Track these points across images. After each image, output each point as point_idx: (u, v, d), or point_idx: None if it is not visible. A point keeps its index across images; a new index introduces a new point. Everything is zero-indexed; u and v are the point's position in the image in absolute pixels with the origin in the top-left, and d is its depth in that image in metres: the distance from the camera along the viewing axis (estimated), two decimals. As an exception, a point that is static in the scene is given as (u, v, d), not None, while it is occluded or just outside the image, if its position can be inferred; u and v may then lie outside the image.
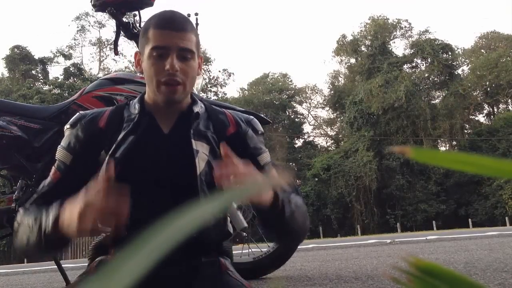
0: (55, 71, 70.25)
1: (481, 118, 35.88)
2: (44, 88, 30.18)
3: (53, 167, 1.10)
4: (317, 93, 39.62)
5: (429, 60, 30.67)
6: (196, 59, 1.10)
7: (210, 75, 36.74)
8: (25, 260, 20.34)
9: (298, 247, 2.78)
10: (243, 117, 1.17)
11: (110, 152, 1.05)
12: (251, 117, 1.19)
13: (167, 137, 1.08)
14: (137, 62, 1.14)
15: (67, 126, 1.12)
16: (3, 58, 31.90)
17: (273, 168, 1.14)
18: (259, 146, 1.13)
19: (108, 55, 36.60)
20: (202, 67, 1.17)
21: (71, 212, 0.87)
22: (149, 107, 1.10)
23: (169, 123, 1.10)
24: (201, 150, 1.06)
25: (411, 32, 33.57)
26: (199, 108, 1.12)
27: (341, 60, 35.89)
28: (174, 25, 1.06)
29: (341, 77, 37.47)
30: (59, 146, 1.11)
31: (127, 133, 1.06)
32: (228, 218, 1.16)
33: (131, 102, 1.16)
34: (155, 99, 1.08)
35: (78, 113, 1.14)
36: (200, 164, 1.04)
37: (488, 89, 33.98)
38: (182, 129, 1.08)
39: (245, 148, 1.10)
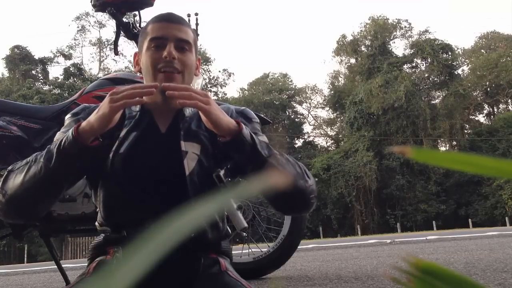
0: (55, 71, 70.32)
1: (481, 118, 35.95)
2: (44, 88, 30.20)
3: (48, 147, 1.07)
4: (317, 93, 39.65)
5: (429, 60, 30.66)
6: (194, 54, 1.11)
7: (210, 75, 36.76)
8: (25, 260, 20.35)
9: (298, 247, 2.77)
10: (234, 108, 1.18)
11: (114, 148, 1.05)
12: (243, 107, 1.20)
13: (164, 136, 1.08)
14: (136, 62, 1.15)
15: (68, 115, 1.13)
16: (3, 58, 31.92)
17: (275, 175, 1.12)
18: (253, 132, 1.11)
19: (108, 55, 36.60)
20: (202, 67, 1.17)
21: (99, 107, 0.96)
22: (148, 105, 1.11)
23: (167, 122, 1.10)
24: (191, 150, 1.06)
25: (411, 32, 33.60)
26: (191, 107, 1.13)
27: (341, 60, 35.91)
28: (172, 18, 1.10)
29: (341, 77, 37.50)
30: (58, 132, 1.10)
31: (129, 130, 1.07)
32: (227, 218, 1.16)
33: None
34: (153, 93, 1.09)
35: (82, 105, 1.16)
36: (190, 164, 1.04)
37: (488, 89, 33.99)
38: (177, 129, 1.08)
39: None
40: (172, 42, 1.06)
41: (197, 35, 2.33)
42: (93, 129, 0.94)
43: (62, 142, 0.94)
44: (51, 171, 0.95)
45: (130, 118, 1.10)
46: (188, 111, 1.12)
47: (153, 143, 1.07)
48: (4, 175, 1.01)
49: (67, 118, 1.13)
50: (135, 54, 1.16)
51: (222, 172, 1.06)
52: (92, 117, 0.95)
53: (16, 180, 0.97)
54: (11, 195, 0.97)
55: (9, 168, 1.02)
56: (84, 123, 0.95)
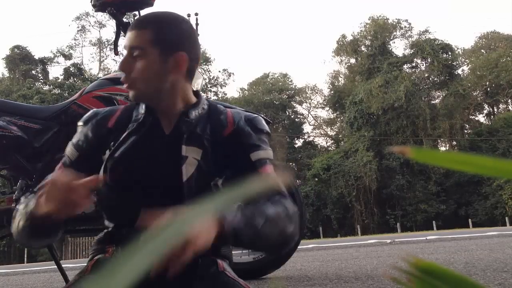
0: (55, 71, 70.26)
1: (481, 118, 35.92)
2: (44, 88, 30.18)
3: (60, 161, 1.11)
4: (317, 93, 39.64)
5: (429, 60, 30.65)
6: (153, 55, 1.02)
7: (210, 75, 36.75)
8: (25, 260, 20.37)
9: (298, 247, 2.77)
10: (244, 115, 1.13)
11: (110, 152, 1.05)
12: (254, 115, 1.15)
13: (167, 138, 1.07)
14: None
15: (80, 122, 1.13)
16: (3, 58, 31.92)
17: (268, 165, 1.07)
18: (256, 144, 1.08)
19: (108, 55, 36.60)
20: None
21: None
22: (154, 105, 1.10)
23: (172, 123, 1.08)
24: (191, 155, 1.03)
25: (411, 32, 33.58)
26: (200, 109, 1.10)
27: (341, 60, 35.90)
28: (134, 24, 1.06)
29: (341, 77, 37.48)
30: (70, 141, 1.13)
31: (129, 133, 1.07)
32: None
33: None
34: None
35: (92, 111, 1.15)
36: (188, 170, 1.02)
37: (488, 89, 33.98)
38: (181, 132, 1.06)
39: (240, 146, 1.07)
40: (127, 52, 1.04)
41: (198, 34, 2.34)
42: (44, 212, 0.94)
43: (32, 210, 0.96)
44: (33, 231, 1.00)
45: (135, 121, 1.09)
46: (194, 113, 1.09)
47: (155, 144, 1.06)
48: (13, 213, 1.06)
49: (79, 125, 1.13)
50: None
51: (220, 182, 1.04)
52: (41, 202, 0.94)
53: (15, 225, 1.02)
54: (16, 236, 1.04)
55: (16, 206, 1.06)
56: (39, 200, 0.95)
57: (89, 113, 1.14)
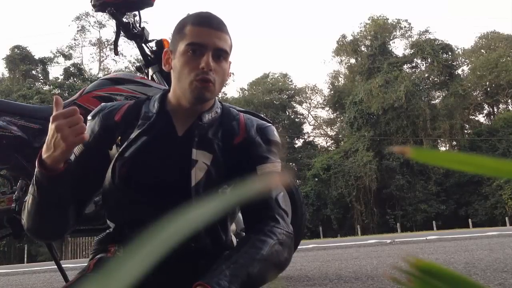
0: (55, 71, 70.12)
1: (481, 118, 35.93)
2: (44, 88, 30.17)
3: None
4: (317, 93, 39.64)
5: (429, 60, 30.66)
6: (228, 62, 1.08)
7: (210, 75, 36.65)
8: (25, 260, 20.38)
9: (298, 247, 2.77)
10: (257, 124, 1.12)
11: (120, 150, 1.04)
12: (267, 124, 1.14)
13: (179, 140, 1.06)
14: (166, 60, 1.10)
15: (89, 117, 1.13)
16: (3, 58, 31.93)
17: (272, 178, 1.05)
18: (264, 155, 1.07)
19: (108, 55, 36.58)
20: (229, 72, 1.12)
21: (54, 144, 0.94)
22: (170, 106, 1.09)
23: (186, 125, 1.07)
24: (201, 159, 1.03)
25: (411, 32, 33.60)
26: (213, 113, 1.09)
27: (341, 60, 35.91)
28: (213, 24, 1.05)
29: (341, 77, 37.49)
30: None
31: (140, 133, 1.05)
32: (230, 228, 1.12)
33: (152, 97, 1.14)
34: (181, 97, 1.06)
35: (100, 105, 1.15)
36: (197, 174, 1.02)
37: (488, 89, 33.98)
38: (193, 134, 1.06)
39: (248, 157, 1.06)
40: (211, 51, 1.02)
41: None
42: (55, 160, 0.95)
43: (35, 175, 0.97)
44: (41, 201, 1.00)
45: (145, 118, 1.08)
46: (207, 117, 1.08)
47: (167, 145, 1.05)
48: (23, 206, 1.07)
49: (88, 119, 1.12)
50: (165, 52, 1.11)
51: (228, 190, 1.03)
52: (51, 154, 0.94)
53: (25, 212, 1.04)
54: (27, 225, 1.05)
55: (26, 198, 1.07)
56: (45, 156, 0.95)
57: (97, 107, 1.13)
